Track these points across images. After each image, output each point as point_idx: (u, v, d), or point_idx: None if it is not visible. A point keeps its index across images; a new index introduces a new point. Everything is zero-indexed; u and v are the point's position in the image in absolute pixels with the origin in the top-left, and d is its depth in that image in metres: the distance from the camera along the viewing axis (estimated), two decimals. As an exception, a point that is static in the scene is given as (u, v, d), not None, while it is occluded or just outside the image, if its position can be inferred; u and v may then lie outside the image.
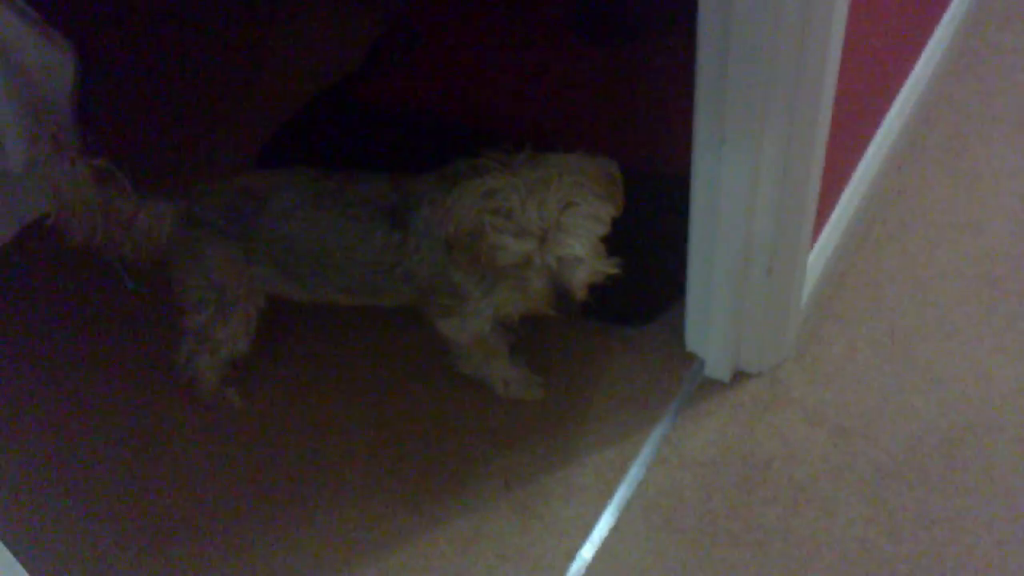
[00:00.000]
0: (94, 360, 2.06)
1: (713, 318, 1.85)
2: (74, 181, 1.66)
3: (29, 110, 2.21)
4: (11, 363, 2.07)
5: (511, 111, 2.41)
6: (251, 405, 1.96)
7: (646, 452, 1.81)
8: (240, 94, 2.65)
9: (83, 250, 1.74)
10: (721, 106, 1.53)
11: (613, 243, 1.61)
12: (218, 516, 1.80)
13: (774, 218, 1.67)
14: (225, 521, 1.80)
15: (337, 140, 2.37)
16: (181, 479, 1.86)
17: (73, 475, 1.88)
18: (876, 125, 2.15)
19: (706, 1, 1.44)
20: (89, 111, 2.41)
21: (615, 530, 1.72)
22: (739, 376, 1.92)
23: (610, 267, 1.60)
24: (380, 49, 2.64)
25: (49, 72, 2.27)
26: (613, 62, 2.49)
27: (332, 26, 2.79)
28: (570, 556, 1.70)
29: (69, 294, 2.20)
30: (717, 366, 1.92)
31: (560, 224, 1.52)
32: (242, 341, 1.84)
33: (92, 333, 2.12)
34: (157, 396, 1.98)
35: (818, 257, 1.96)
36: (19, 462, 1.90)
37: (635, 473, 1.79)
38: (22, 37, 2.20)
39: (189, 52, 2.78)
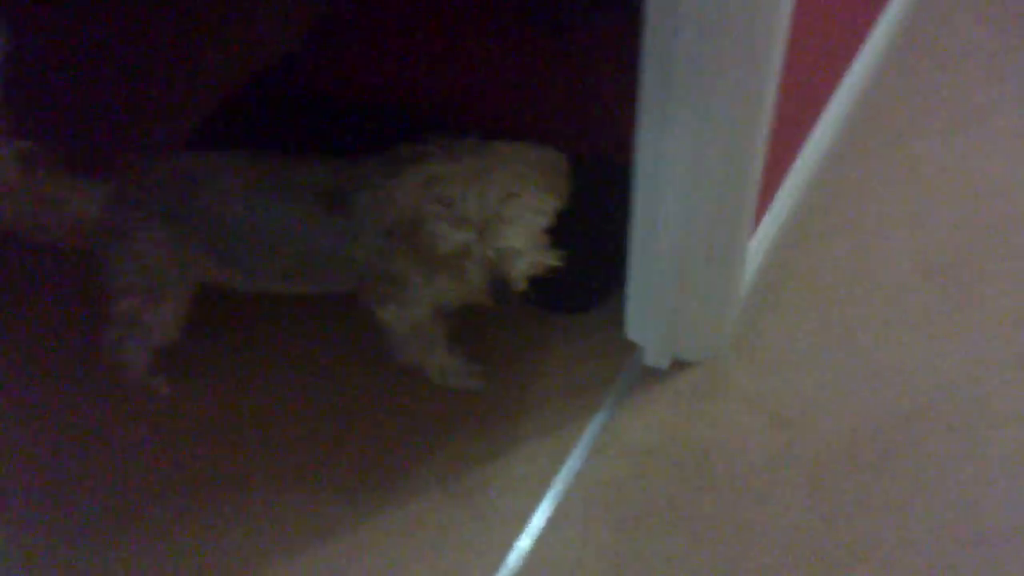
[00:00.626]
0: (17, 346, 1.99)
1: (653, 306, 1.84)
2: None
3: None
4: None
5: (458, 98, 2.36)
6: (182, 393, 1.90)
7: (585, 441, 1.79)
8: (175, 74, 2.57)
9: (10, 235, 1.68)
10: (667, 88, 1.50)
11: (554, 230, 1.59)
12: (146, 506, 1.75)
13: (715, 203, 1.65)
14: (153, 511, 1.74)
15: (276, 124, 2.31)
16: (109, 469, 1.80)
17: (-7, 466, 1.82)
18: (818, 115, 2.14)
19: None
20: (14, 91, 2.32)
21: (553, 520, 1.70)
22: (678, 365, 1.91)
23: (551, 259, 1.58)
24: (323, 30, 2.58)
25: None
26: (561, 48, 2.46)
27: (272, 4, 2.73)
28: (507, 546, 1.67)
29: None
30: (656, 354, 1.90)
31: (501, 215, 1.50)
32: (172, 328, 1.79)
33: (16, 318, 2.05)
34: (85, 384, 1.92)
35: (759, 246, 1.95)
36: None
37: (573, 463, 1.77)
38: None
39: (124, 30, 2.69)
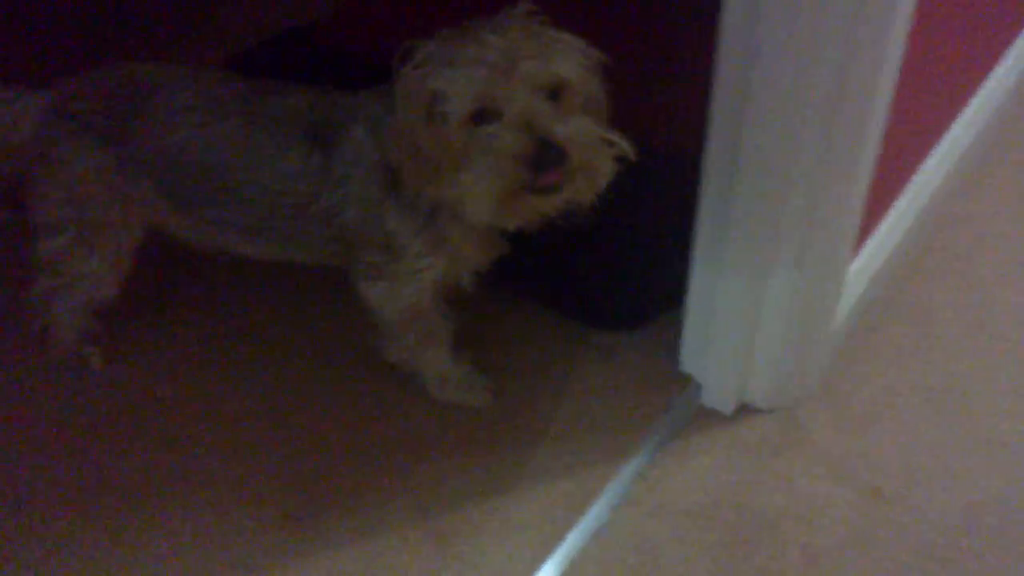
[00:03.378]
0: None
1: (718, 332, 1.43)
2: None
3: None
4: None
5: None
6: (114, 370, 1.52)
7: (613, 489, 1.37)
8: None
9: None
10: (751, 55, 1.15)
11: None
12: (43, 503, 1.36)
13: (810, 201, 1.26)
14: (53, 511, 1.35)
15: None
16: (7, 455, 1.42)
17: None
18: (941, 134, 1.75)
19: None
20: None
21: (559, 585, 1.28)
22: (745, 410, 1.48)
23: (616, 139, 1.17)
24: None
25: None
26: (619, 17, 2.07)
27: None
28: (493, 614, 1.25)
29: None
30: (718, 394, 1.48)
31: (533, 49, 1.14)
32: (108, 281, 1.42)
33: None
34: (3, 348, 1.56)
35: (861, 273, 1.54)
36: None
37: (595, 515, 1.34)
38: None
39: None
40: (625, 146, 1.17)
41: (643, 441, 1.44)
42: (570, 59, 1.17)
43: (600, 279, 1.54)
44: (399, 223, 1.28)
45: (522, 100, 1.12)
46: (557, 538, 1.32)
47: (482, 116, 1.14)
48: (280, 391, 1.51)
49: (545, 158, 1.12)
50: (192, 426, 1.46)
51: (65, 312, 1.46)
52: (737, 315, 1.40)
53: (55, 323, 1.48)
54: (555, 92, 1.16)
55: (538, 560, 1.29)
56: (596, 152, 1.16)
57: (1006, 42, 1.97)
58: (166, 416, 1.48)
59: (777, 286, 1.35)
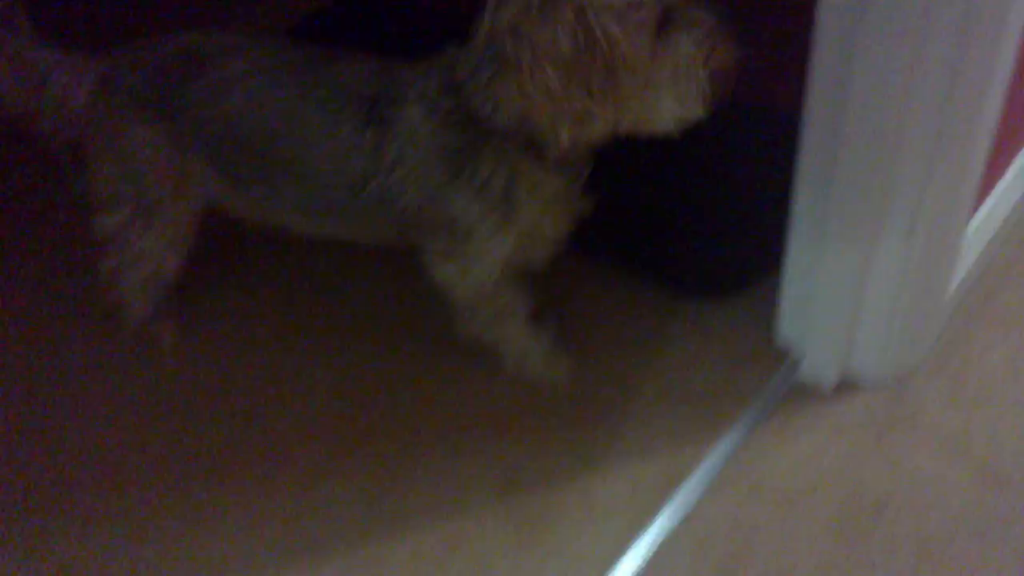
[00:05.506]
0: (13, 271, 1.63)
1: (820, 302, 1.32)
2: None
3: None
4: None
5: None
6: (185, 346, 1.49)
7: (704, 470, 1.28)
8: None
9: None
10: None
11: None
12: (124, 484, 1.33)
13: (923, 155, 1.14)
14: (133, 490, 1.32)
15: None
16: (83, 432, 1.40)
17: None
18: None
19: None
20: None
21: (647, 572, 1.19)
22: (849, 385, 1.37)
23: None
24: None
25: None
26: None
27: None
28: (579, 603, 1.18)
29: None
30: (818, 368, 1.37)
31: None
32: (170, 257, 1.38)
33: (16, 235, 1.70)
34: (70, 322, 1.54)
35: (980, 232, 1.41)
36: None
37: (684, 498, 1.26)
38: None
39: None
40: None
41: (737, 419, 1.34)
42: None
43: (689, 243, 1.44)
44: (464, 207, 1.20)
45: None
46: (644, 523, 1.24)
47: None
48: (356, 368, 1.45)
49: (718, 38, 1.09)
50: (268, 404, 1.42)
51: (133, 288, 1.43)
52: (841, 283, 1.28)
53: (125, 299, 1.45)
54: None
55: (624, 546, 1.22)
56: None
57: None
58: (242, 394, 1.43)
59: (887, 252, 1.23)
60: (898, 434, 1.31)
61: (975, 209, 1.35)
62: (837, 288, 1.29)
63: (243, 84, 1.23)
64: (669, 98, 1.09)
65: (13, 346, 1.52)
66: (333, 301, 1.55)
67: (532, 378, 1.40)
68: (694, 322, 1.46)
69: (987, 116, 1.13)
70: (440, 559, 1.22)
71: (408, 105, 1.18)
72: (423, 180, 1.20)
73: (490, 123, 1.14)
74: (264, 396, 1.43)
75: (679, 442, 1.32)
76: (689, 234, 1.45)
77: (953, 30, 1.02)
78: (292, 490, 1.31)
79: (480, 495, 1.29)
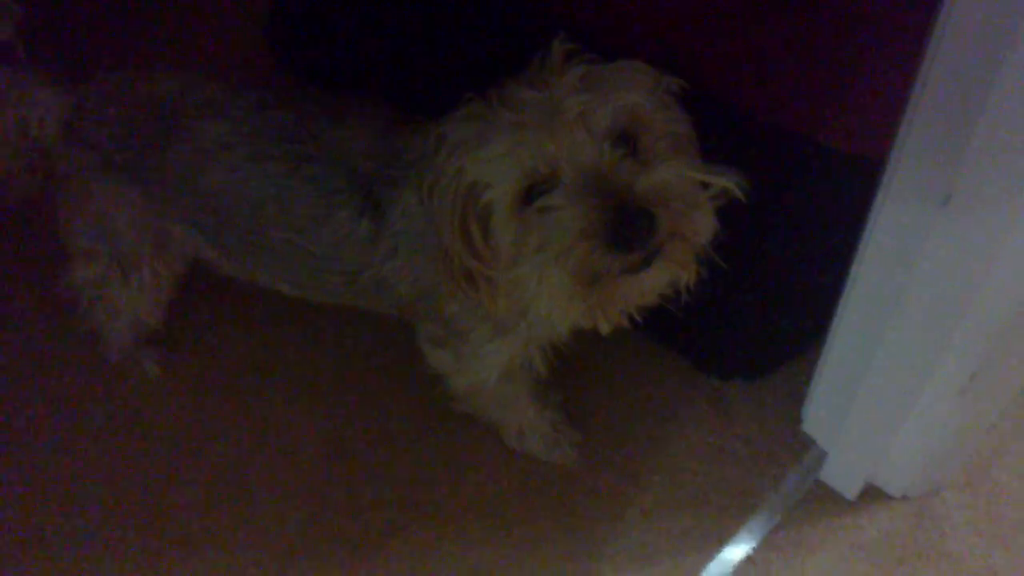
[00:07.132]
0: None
1: (859, 401, 1.18)
2: None
3: None
4: None
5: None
6: (170, 379, 1.41)
7: (703, 587, 1.21)
8: None
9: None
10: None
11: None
12: (97, 522, 1.28)
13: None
14: (105, 531, 1.27)
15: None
16: (58, 466, 1.34)
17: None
18: None
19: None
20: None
21: None
22: (871, 493, 1.26)
23: (716, 178, 0.88)
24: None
25: None
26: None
27: None
28: None
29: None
30: (844, 468, 1.26)
31: (584, 86, 0.87)
32: (150, 312, 1.28)
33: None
34: (56, 346, 1.44)
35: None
36: None
37: (682, 615, 1.20)
38: None
39: None
40: (729, 180, 0.87)
41: (748, 524, 1.25)
42: (636, 87, 0.88)
43: (716, 320, 1.29)
44: (461, 306, 1.06)
45: (582, 153, 0.85)
46: (637, 639, 1.18)
47: (536, 191, 0.87)
48: (341, 419, 1.37)
49: (626, 226, 0.83)
50: (248, 442, 1.35)
51: (109, 326, 1.33)
52: (887, 393, 1.14)
53: (104, 337, 1.35)
54: (625, 136, 0.87)
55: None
56: (693, 202, 0.87)
57: None
58: (222, 439, 1.36)
59: (945, 383, 1.08)
60: (918, 562, 1.21)
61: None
62: (882, 396, 1.15)
63: (223, 156, 1.08)
64: (537, 287, 0.88)
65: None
66: (322, 343, 1.44)
67: (531, 455, 1.30)
68: (713, 400, 1.34)
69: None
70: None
71: (405, 190, 1.03)
72: (418, 275, 1.07)
73: None
74: (242, 445, 1.36)
75: (682, 546, 1.24)
76: (715, 311, 1.29)
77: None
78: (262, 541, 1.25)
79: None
